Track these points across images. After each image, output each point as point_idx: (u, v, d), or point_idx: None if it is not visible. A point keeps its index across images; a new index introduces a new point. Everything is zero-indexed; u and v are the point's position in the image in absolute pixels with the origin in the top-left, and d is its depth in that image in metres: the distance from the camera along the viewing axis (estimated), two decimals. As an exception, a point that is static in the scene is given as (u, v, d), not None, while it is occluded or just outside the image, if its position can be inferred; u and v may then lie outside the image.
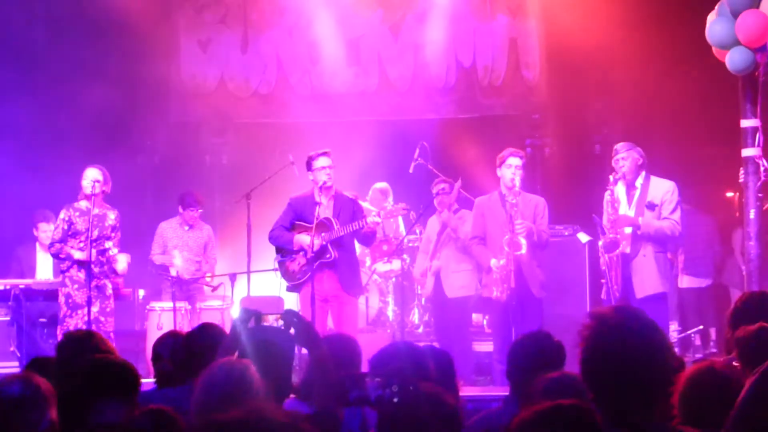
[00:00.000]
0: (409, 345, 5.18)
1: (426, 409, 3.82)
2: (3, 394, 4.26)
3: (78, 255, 10.24)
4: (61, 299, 10.33)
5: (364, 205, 10.39)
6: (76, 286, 10.27)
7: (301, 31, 14.33)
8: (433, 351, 5.44)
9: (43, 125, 12.87)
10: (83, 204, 10.31)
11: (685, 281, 12.92)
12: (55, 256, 10.52)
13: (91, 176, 10.33)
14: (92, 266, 10.19)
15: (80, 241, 10.27)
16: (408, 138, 12.50)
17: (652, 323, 3.48)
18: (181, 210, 11.94)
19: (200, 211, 11.99)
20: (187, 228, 11.96)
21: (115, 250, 10.47)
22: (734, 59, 9.71)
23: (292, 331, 4.58)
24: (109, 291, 10.46)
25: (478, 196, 10.26)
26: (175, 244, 11.87)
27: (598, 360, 3.41)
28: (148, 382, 7.43)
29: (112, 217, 10.52)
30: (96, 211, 10.31)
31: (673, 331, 11.54)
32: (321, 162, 9.73)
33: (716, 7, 9.91)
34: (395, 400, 3.96)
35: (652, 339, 3.42)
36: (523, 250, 9.44)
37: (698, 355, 11.89)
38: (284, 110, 14.50)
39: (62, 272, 10.41)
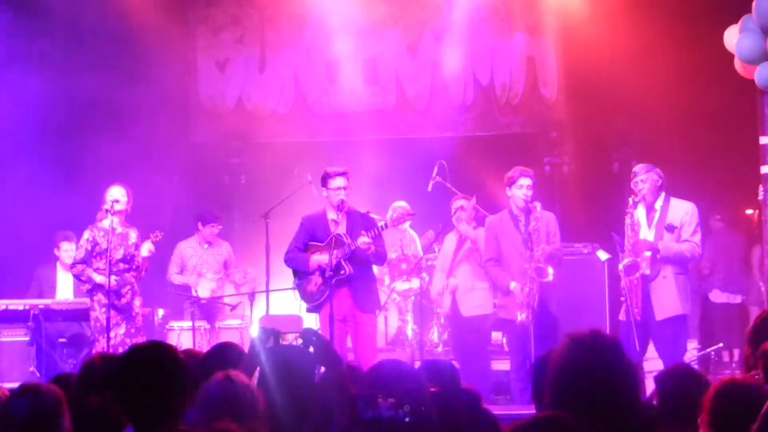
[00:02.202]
0: (400, 363, 5.14)
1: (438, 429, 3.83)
2: (10, 413, 4.11)
3: (99, 279, 10.24)
4: (92, 322, 10.40)
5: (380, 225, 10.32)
6: (103, 309, 10.26)
7: (318, 51, 14.36)
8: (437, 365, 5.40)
9: (62, 145, 12.92)
10: (106, 223, 10.32)
11: (718, 296, 12.92)
12: (77, 277, 10.59)
13: (115, 194, 10.35)
14: (117, 285, 10.26)
15: (102, 260, 10.29)
16: (426, 156, 12.50)
17: (622, 349, 3.53)
18: (200, 227, 11.98)
19: (220, 226, 12.03)
20: (206, 246, 11.99)
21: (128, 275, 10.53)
22: (764, 74, 9.69)
23: (311, 349, 4.58)
24: (135, 311, 10.48)
25: (489, 215, 10.25)
26: (195, 263, 11.90)
27: (568, 379, 3.44)
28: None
29: (133, 236, 10.55)
30: (119, 229, 10.34)
31: (693, 349, 11.48)
32: (337, 182, 9.69)
33: (740, 22, 9.89)
34: (407, 420, 3.96)
35: (618, 363, 3.47)
36: (550, 278, 9.40)
37: (726, 371, 11.86)
38: (302, 129, 14.54)
39: (90, 294, 10.45)
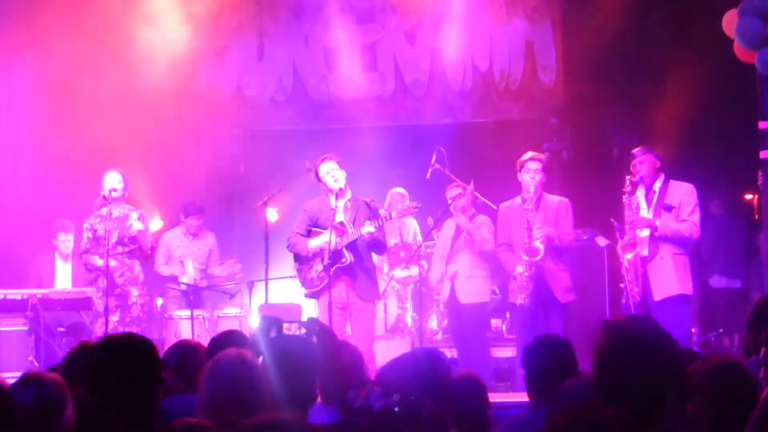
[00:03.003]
0: (429, 354, 5.11)
1: (427, 420, 3.81)
2: (18, 402, 4.12)
3: (99, 262, 10.36)
4: (93, 308, 10.47)
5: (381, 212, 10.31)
6: (99, 294, 10.37)
7: (316, 38, 14.31)
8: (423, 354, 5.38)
9: (62, 134, 12.88)
10: (104, 210, 10.41)
11: (719, 281, 12.92)
12: (84, 266, 10.71)
13: (111, 179, 10.42)
14: (113, 274, 10.28)
15: (101, 246, 10.35)
16: (425, 143, 12.45)
17: (663, 330, 3.47)
18: (182, 218, 11.97)
19: (201, 219, 11.99)
20: (191, 237, 11.96)
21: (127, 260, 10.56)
22: (765, 59, 9.67)
23: (314, 338, 4.57)
24: (132, 299, 10.50)
25: (501, 202, 10.25)
26: (181, 253, 11.87)
27: (613, 368, 3.39)
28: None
29: (134, 216, 10.62)
30: (116, 213, 10.42)
31: (693, 334, 11.48)
32: (324, 168, 9.76)
33: (739, 6, 9.86)
34: (396, 409, 3.95)
35: (663, 345, 3.40)
36: (540, 256, 9.41)
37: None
38: (301, 117, 14.48)
39: (92, 282, 10.53)
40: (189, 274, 11.64)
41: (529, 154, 9.76)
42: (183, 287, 11.54)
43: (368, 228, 9.52)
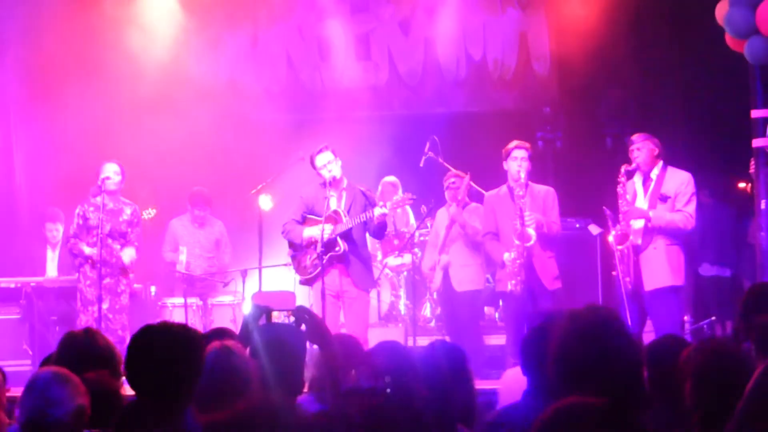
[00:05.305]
0: (398, 345, 5.11)
1: (419, 402, 3.83)
2: (52, 419, 4.17)
3: (88, 251, 10.38)
4: (78, 296, 10.43)
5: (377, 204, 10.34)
6: (88, 282, 10.36)
7: (310, 28, 14.32)
8: (444, 346, 5.39)
9: (56, 123, 12.89)
10: (98, 199, 10.39)
11: (708, 270, 12.93)
12: (70, 251, 10.66)
13: (108, 170, 10.42)
14: (101, 263, 10.26)
15: (93, 236, 10.34)
16: (418, 132, 12.48)
17: (620, 321, 3.58)
18: (189, 207, 11.99)
19: (207, 210, 11.99)
20: (197, 226, 11.98)
21: (118, 248, 10.54)
22: (754, 49, 9.67)
23: (303, 327, 4.58)
24: (121, 288, 10.49)
25: (488, 191, 10.25)
26: (186, 241, 11.88)
27: (568, 358, 3.48)
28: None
29: (128, 212, 10.59)
30: (111, 205, 10.42)
31: (686, 323, 11.50)
32: (320, 159, 9.77)
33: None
34: (388, 390, 3.95)
35: (619, 336, 3.49)
36: (533, 242, 9.41)
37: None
38: (295, 107, 14.49)
39: (78, 269, 10.50)
40: (181, 263, 11.64)
41: (514, 143, 9.74)
42: (177, 275, 11.57)
43: (382, 210, 9.51)
